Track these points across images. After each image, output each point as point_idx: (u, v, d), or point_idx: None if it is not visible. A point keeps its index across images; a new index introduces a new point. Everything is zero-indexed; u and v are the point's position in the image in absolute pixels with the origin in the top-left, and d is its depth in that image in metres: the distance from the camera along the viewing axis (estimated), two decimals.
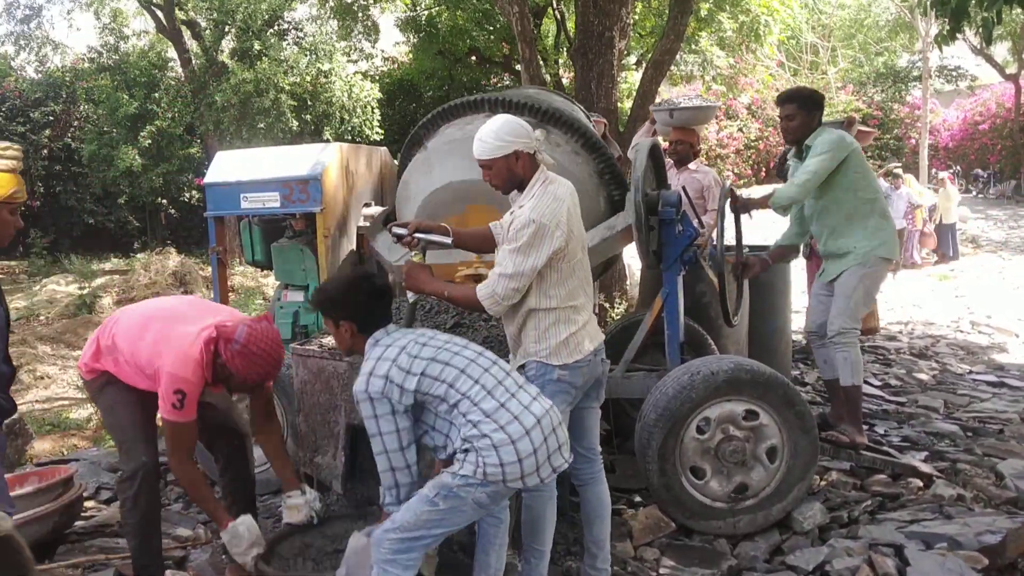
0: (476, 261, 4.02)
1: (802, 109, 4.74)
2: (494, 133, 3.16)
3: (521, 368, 3.23)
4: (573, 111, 4.89)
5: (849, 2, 25.15)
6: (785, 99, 4.86)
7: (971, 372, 7.09)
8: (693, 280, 5.04)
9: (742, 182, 22.56)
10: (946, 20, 4.33)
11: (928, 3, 4.61)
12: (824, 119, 4.86)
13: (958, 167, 26.32)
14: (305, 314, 5.25)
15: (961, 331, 8.91)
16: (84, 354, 3.64)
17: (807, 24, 22.04)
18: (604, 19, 8.51)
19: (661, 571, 3.73)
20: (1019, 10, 4.27)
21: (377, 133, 17.37)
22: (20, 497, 3.99)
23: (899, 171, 15.04)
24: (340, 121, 15.67)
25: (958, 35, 4.53)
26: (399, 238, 3.39)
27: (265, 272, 11.97)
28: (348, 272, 3.60)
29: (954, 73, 27.30)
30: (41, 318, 10.85)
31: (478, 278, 3.69)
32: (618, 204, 4.73)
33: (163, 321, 3.48)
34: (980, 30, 4.19)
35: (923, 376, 6.95)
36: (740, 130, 23.72)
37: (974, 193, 25.01)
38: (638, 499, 4.45)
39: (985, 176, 25.57)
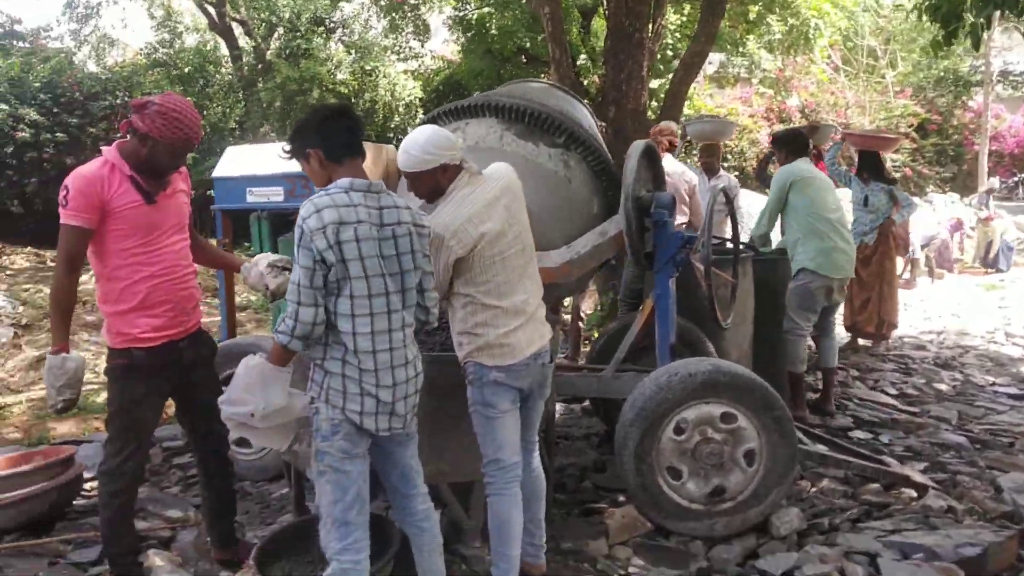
0: None
1: (777, 148, 6.21)
2: (420, 146, 3.15)
3: (467, 378, 3.27)
4: (571, 111, 4.90)
5: (909, 4, 24.58)
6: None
7: (994, 384, 6.92)
8: (696, 282, 5.04)
9: None
10: (939, 26, 4.27)
11: (922, 8, 4.54)
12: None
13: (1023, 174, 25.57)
14: None
15: (994, 342, 8.69)
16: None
17: (865, 27, 21.60)
18: (634, 20, 8.51)
19: (631, 570, 3.75)
20: None
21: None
22: (19, 475, 4.17)
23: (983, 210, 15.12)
24: (383, 120, 15.84)
25: (953, 41, 4.47)
26: None
27: None
28: None
29: (1019, 79, 26.51)
30: (87, 305, 11.20)
31: None
32: (615, 206, 4.75)
33: None
34: (969, 36, 4.13)
35: (943, 387, 6.81)
36: None
37: None
38: (622, 499, 4.47)
39: None
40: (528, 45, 16.45)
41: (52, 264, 14.16)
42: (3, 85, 14.11)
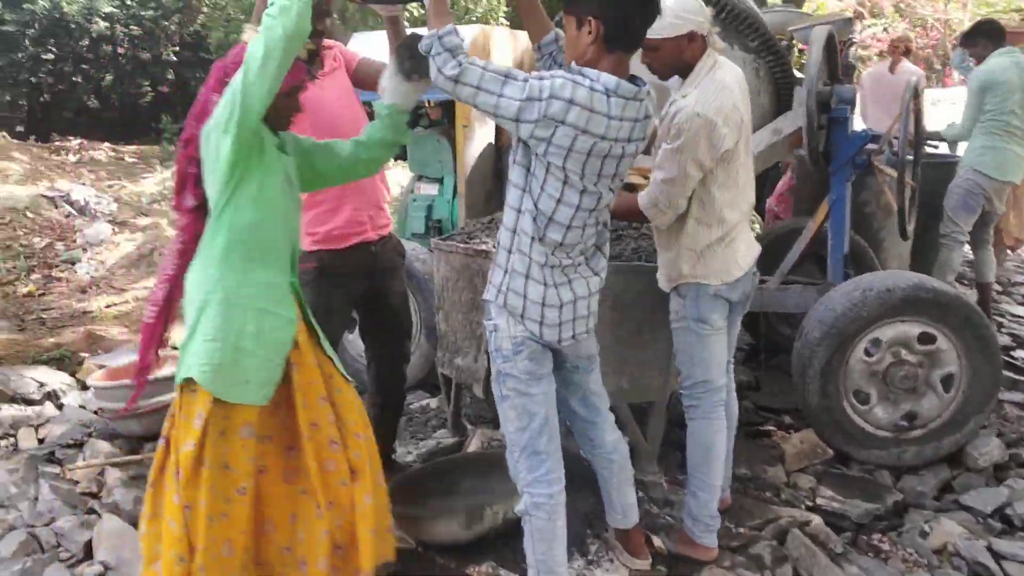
0: (647, 169, 3.65)
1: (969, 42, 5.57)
2: (670, 9, 2.73)
3: (674, 289, 2.95)
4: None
5: None
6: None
7: None
8: (855, 187, 4.61)
9: None
10: None
11: None
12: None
13: None
14: (439, 207, 5.07)
15: None
16: None
17: None
18: None
19: (818, 501, 3.46)
20: None
21: (502, 25, 16.84)
22: (161, 381, 3.96)
23: None
24: (464, 11, 15.21)
25: None
26: None
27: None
28: None
29: None
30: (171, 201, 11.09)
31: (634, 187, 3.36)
32: (784, 100, 4.30)
33: None
34: None
35: None
36: (885, 30, 22.07)
37: None
38: (788, 420, 4.17)
39: None
40: None
41: (131, 160, 14.09)
42: None
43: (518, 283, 2.46)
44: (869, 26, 21.82)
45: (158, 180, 12.18)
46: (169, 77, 14.41)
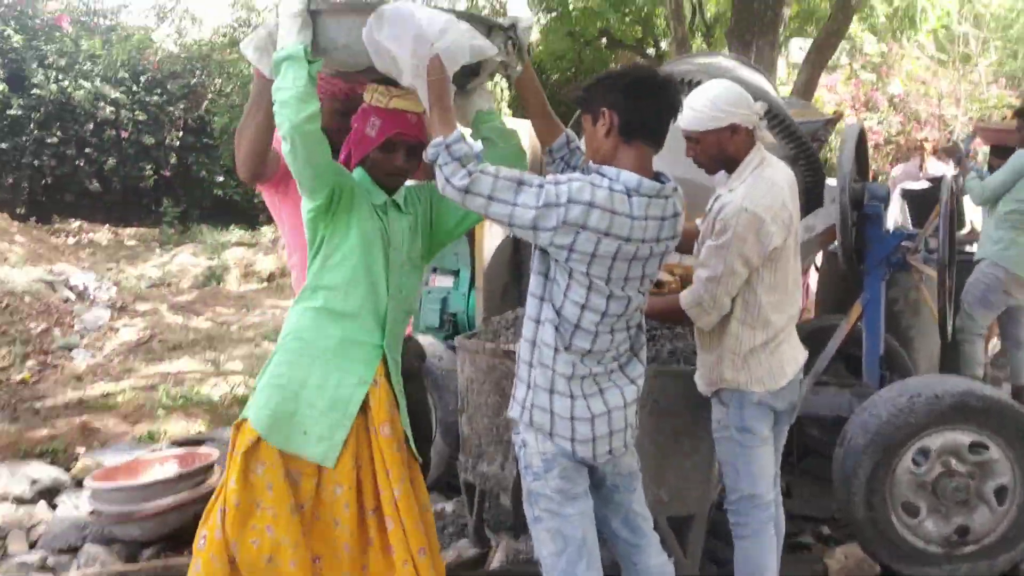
0: (675, 265, 3.51)
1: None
2: (710, 101, 2.68)
3: (715, 394, 2.78)
4: (762, 85, 4.37)
5: None
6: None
7: None
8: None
9: (880, 177, 21.29)
10: None
11: None
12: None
13: None
14: (454, 300, 4.92)
15: None
16: None
17: (960, 13, 20.64)
18: None
19: None
20: None
21: (505, 115, 17.04)
22: (163, 483, 3.78)
23: None
24: None
25: None
26: None
27: None
28: None
29: None
30: (172, 287, 10.94)
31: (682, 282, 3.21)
32: (812, 196, 4.21)
33: None
34: None
35: None
36: (880, 123, 22.40)
37: None
38: (826, 531, 3.95)
39: None
40: (612, 24, 15.86)
41: (130, 243, 14.01)
42: (85, 63, 13.92)
43: (542, 399, 2.30)
44: (864, 119, 22.15)
45: (157, 263, 12.08)
46: (171, 161, 14.44)
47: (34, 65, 13.33)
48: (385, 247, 2.43)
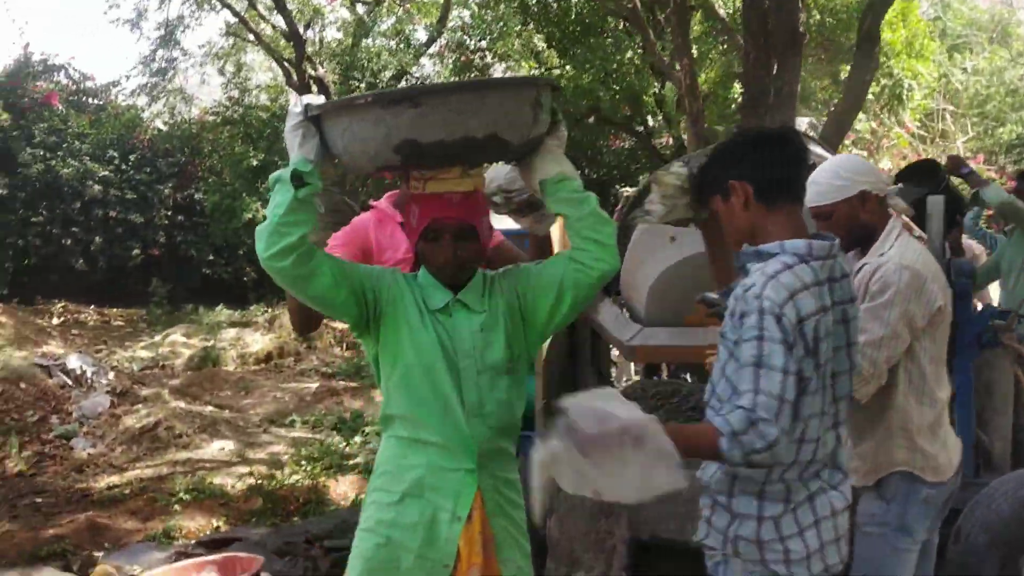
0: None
1: None
2: (833, 171, 2.54)
3: (877, 485, 2.53)
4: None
5: (982, 66, 24.23)
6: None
7: None
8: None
9: None
10: None
11: None
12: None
13: None
14: None
15: None
16: None
17: (938, 92, 21.20)
18: (782, 73, 7.88)
19: None
20: None
21: None
22: None
23: None
24: None
25: None
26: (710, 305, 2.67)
27: None
28: None
29: None
30: (166, 369, 10.57)
31: None
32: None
33: None
34: None
35: None
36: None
37: None
38: None
39: None
40: (603, 105, 15.97)
41: (117, 323, 13.63)
42: (74, 142, 13.76)
43: (748, 529, 1.96)
44: None
45: (148, 344, 11.71)
46: (160, 240, 14.21)
47: (22, 143, 13.15)
48: (449, 358, 2.08)
